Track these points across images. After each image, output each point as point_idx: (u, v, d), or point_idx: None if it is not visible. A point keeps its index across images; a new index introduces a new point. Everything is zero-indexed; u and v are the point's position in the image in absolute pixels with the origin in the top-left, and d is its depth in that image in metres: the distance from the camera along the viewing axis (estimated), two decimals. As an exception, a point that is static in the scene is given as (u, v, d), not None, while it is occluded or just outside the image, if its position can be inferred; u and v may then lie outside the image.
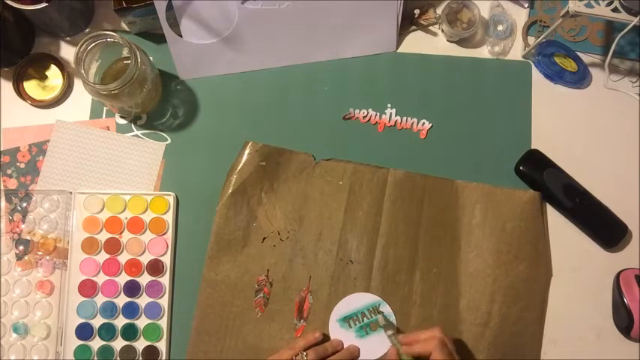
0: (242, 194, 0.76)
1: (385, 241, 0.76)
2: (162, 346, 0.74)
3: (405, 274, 0.75)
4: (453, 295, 0.75)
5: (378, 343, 0.74)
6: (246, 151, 0.77)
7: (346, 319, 0.74)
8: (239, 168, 0.76)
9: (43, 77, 0.79)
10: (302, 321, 0.74)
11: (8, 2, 0.70)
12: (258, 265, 0.75)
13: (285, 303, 0.75)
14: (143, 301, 0.74)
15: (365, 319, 0.74)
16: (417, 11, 0.81)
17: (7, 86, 0.79)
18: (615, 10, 0.70)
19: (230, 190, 0.75)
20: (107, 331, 0.74)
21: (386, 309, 0.74)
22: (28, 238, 0.75)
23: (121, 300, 0.74)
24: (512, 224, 0.76)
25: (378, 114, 0.80)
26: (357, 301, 0.75)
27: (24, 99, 0.79)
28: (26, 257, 0.75)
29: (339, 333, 0.74)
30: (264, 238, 0.76)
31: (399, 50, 0.82)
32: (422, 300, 0.75)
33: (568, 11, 0.70)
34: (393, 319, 0.74)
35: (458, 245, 0.77)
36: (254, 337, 0.74)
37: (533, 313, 0.76)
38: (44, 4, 0.71)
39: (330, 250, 0.76)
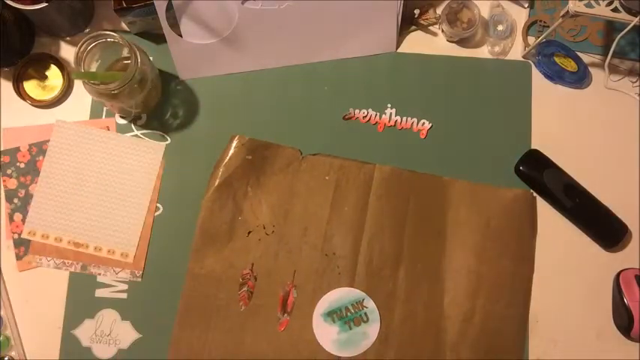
0: (228, 188, 0.76)
1: (370, 237, 0.76)
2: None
3: (389, 270, 0.75)
4: (437, 291, 0.76)
5: (361, 337, 0.74)
6: (233, 145, 0.77)
7: (330, 314, 0.74)
8: (225, 161, 0.76)
9: (43, 77, 0.79)
10: (286, 315, 0.75)
11: (8, 2, 0.70)
12: (243, 259, 0.75)
13: (269, 297, 0.75)
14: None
15: (349, 313, 0.74)
16: (417, 11, 0.81)
17: (7, 86, 0.79)
18: (615, 10, 0.70)
19: (216, 184, 0.76)
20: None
21: (370, 304, 0.75)
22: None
23: None
24: (497, 221, 0.77)
25: (378, 114, 0.80)
26: (341, 295, 0.75)
27: (24, 99, 0.78)
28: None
29: (322, 327, 0.74)
30: (250, 232, 0.76)
31: (399, 50, 0.82)
32: (406, 295, 0.75)
33: (568, 11, 0.70)
34: (376, 314, 0.74)
35: (443, 241, 0.77)
36: (237, 331, 0.74)
37: (517, 310, 0.76)
38: (44, 4, 0.71)
39: (315, 244, 0.76)
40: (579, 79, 0.81)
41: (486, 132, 0.80)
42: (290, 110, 0.80)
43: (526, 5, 0.84)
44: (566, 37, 0.83)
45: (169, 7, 0.74)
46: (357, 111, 0.80)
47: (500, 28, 0.82)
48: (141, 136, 0.79)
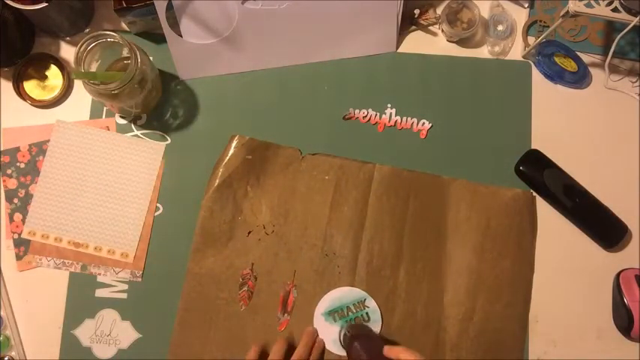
0: (228, 188, 0.76)
1: (370, 236, 0.76)
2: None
3: (390, 269, 0.76)
4: (438, 291, 0.76)
5: None
6: (233, 145, 0.77)
7: (331, 313, 0.75)
8: (225, 161, 0.76)
9: (43, 77, 0.79)
10: (286, 315, 0.75)
11: (8, 2, 0.70)
12: (243, 259, 0.75)
13: (270, 297, 0.75)
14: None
15: (350, 313, 0.74)
16: (417, 11, 0.81)
17: (7, 86, 0.79)
18: (615, 10, 0.70)
19: (216, 184, 0.76)
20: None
21: (371, 304, 0.75)
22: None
23: None
24: (497, 221, 0.77)
25: (378, 114, 0.80)
26: (343, 294, 0.75)
27: (24, 99, 0.78)
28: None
29: (323, 327, 0.74)
30: (250, 232, 0.76)
31: (399, 50, 0.82)
32: (406, 295, 0.75)
33: (568, 11, 0.70)
34: (378, 314, 0.74)
35: (443, 241, 0.77)
36: (238, 331, 0.74)
37: (517, 310, 0.76)
38: (44, 4, 0.71)
39: (315, 244, 0.76)
40: (579, 79, 0.81)
41: (486, 132, 0.80)
42: (290, 110, 0.80)
43: (526, 5, 0.84)
44: (566, 37, 0.83)
45: (169, 7, 0.74)
46: (357, 111, 0.80)
47: (500, 28, 0.82)
48: (141, 136, 0.79)
